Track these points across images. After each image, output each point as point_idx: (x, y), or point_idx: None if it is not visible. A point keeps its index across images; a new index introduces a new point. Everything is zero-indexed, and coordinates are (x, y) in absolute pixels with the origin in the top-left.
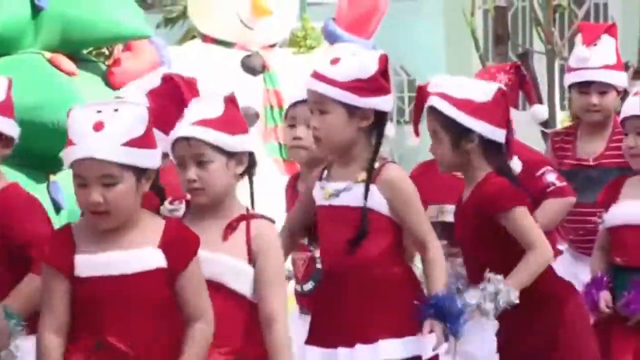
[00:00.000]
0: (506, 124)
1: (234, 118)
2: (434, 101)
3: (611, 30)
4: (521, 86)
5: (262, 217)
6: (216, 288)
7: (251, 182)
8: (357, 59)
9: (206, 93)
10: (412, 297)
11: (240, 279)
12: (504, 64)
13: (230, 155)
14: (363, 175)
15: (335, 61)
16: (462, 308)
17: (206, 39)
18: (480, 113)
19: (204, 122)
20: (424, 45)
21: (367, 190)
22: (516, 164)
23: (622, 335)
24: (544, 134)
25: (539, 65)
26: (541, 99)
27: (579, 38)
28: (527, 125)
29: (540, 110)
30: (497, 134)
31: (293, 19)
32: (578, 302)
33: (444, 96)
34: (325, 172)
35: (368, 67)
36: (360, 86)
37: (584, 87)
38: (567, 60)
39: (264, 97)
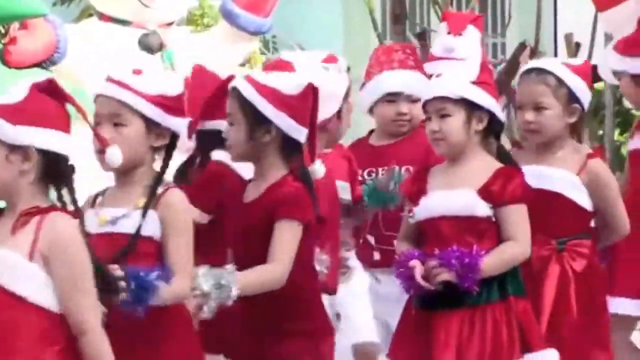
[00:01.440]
0: (309, 123)
1: (32, 107)
2: (238, 82)
3: (477, 21)
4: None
5: (62, 210)
6: None
7: (57, 187)
8: (163, 74)
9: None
10: (184, 331)
11: (20, 279)
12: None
13: (11, 148)
14: (143, 201)
15: (138, 72)
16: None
17: (103, 17)
18: (283, 105)
19: None
20: (322, 24)
21: (144, 216)
22: (319, 169)
23: (442, 319)
24: None
25: None
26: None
27: (443, 26)
28: None
29: None
30: (297, 132)
31: None
32: (329, 345)
33: (250, 80)
34: (100, 197)
35: (175, 85)
36: (166, 103)
37: None
38: None
39: None
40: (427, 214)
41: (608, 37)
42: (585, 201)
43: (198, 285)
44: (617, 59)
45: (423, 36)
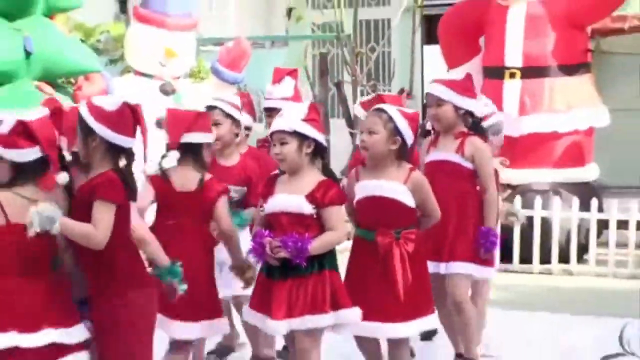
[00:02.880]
0: (132, 132)
1: None
2: (80, 107)
3: (292, 73)
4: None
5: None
6: None
7: None
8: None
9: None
10: None
11: None
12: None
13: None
14: None
15: None
16: None
17: (136, 73)
18: (103, 119)
19: None
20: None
21: None
22: (172, 158)
23: (279, 285)
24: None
25: (347, 90)
26: (350, 113)
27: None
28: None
29: None
30: (118, 139)
31: (192, 60)
32: (147, 297)
33: (87, 103)
34: None
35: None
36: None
37: (269, 112)
38: (365, 86)
39: None
40: (272, 210)
41: None
42: (410, 202)
43: (30, 221)
44: (445, 91)
45: (339, 85)
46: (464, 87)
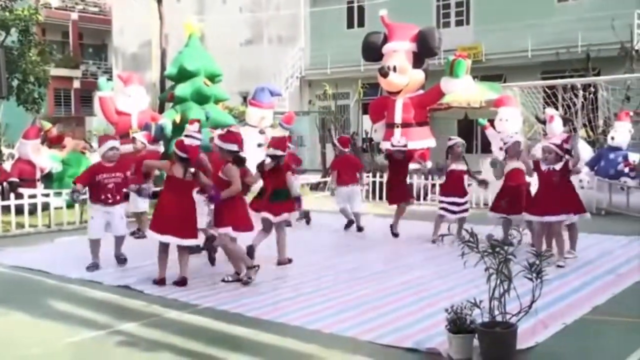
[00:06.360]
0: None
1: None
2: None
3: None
4: None
5: None
6: None
7: None
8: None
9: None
10: None
11: None
12: None
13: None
14: None
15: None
16: None
17: (249, 125)
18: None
19: None
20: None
21: None
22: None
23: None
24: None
25: (334, 132)
26: (333, 140)
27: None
28: None
29: None
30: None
31: (271, 120)
32: None
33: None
34: None
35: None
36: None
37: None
38: (339, 130)
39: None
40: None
41: (375, 129)
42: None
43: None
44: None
45: (329, 131)
46: (279, 142)
